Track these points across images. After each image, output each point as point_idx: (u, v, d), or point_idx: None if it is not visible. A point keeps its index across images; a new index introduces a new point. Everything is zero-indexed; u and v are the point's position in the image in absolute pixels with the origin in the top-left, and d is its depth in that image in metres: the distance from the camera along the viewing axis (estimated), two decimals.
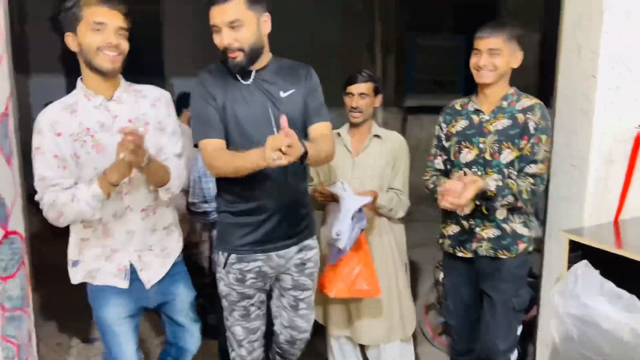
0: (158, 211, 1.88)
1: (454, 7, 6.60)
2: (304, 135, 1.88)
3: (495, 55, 1.94)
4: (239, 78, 1.83)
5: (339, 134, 2.47)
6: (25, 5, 5.40)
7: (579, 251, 1.87)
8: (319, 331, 2.52)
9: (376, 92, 2.40)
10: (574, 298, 0.96)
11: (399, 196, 2.39)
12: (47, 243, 3.09)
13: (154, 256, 1.89)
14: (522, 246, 2.04)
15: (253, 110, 1.82)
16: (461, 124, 2.08)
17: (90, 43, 1.67)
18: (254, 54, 1.78)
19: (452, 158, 2.11)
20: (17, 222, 2.01)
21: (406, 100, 6.90)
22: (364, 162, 2.42)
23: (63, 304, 3.01)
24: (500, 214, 2.03)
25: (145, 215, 1.85)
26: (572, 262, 1.86)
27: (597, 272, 1.04)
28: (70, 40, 1.69)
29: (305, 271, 2.00)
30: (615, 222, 2.03)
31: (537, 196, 1.99)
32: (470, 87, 2.20)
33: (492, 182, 1.92)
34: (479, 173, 2.02)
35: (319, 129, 1.90)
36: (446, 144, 2.14)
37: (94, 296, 1.86)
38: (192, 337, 2.05)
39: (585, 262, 1.18)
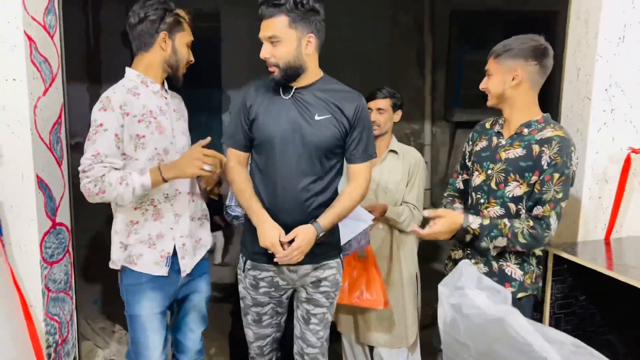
0: (195, 199, 2.01)
1: (505, 22, 6.59)
2: (326, 157, 1.87)
3: (490, 76, 1.84)
4: (281, 92, 1.87)
5: None
6: (100, 21, 5.96)
7: (564, 265, 1.95)
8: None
9: (395, 108, 2.55)
10: (456, 289, 1.08)
11: (411, 210, 2.50)
12: (99, 235, 3.46)
13: (191, 245, 1.98)
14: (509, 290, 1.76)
15: (283, 126, 1.85)
16: (481, 144, 1.93)
17: (185, 57, 1.94)
18: (290, 71, 1.80)
19: (470, 179, 1.97)
20: (64, 215, 2.32)
21: (455, 114, 6.95)
22: (379, 176, 2.55)
23: (109, 292, 3.34)
24: (494, 249, 1.82)
25: (190, 199, 1.97)
26: (555, 275, 1.95)
27: (476, 269, 1.16)
28: (162, 40, 1.87)
29: (320, 288, 1.99)
30: (606, 240, 2.09)
31: (539, 242, 1.72)
32: None
33: (474, 220, 1.77)
34: (482, 201, 1.86)
35: (361, 170, 1.90)
36: (468, 163, 2.01)
37: (130, 289, 1.93)
38: (192, 333, 2.10)
39: (467, 261, 1.26)
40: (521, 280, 1.78)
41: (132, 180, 1.77)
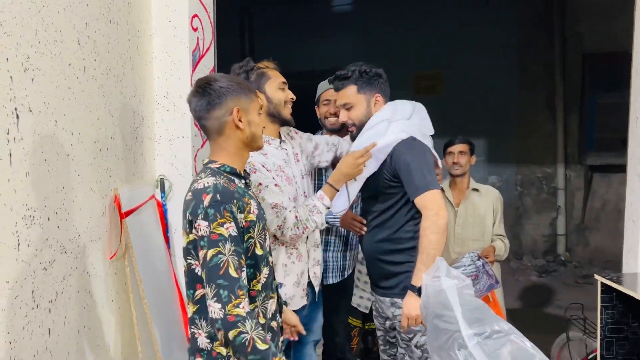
0: None
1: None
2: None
3: None
4: None
5: (442, 189, 3.08)
6: None
7: (613, 293, 2.17)
8: None
9: (471, 152, 2.97)
10: (433, 277, 1.46)
11: (502, 241, 2.89)
12: None
13: (319, 269, 2.18)
14: None
15: None
16: None
17: (280, 98, 2.05)
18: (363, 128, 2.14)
19: None
20: None
21: (589, 158, 6.81)
22: (465, 212, 2.95)
23: None
24: None
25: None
26: (604, 301, 2.18)
27: (447, 264, 1.51)
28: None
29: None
30: None
31: None
32: None
33: None
34: None
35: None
36: None
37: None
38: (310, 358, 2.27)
39: (442, 257, 1.55)
40: None
41: (320, 207, 1.96)
